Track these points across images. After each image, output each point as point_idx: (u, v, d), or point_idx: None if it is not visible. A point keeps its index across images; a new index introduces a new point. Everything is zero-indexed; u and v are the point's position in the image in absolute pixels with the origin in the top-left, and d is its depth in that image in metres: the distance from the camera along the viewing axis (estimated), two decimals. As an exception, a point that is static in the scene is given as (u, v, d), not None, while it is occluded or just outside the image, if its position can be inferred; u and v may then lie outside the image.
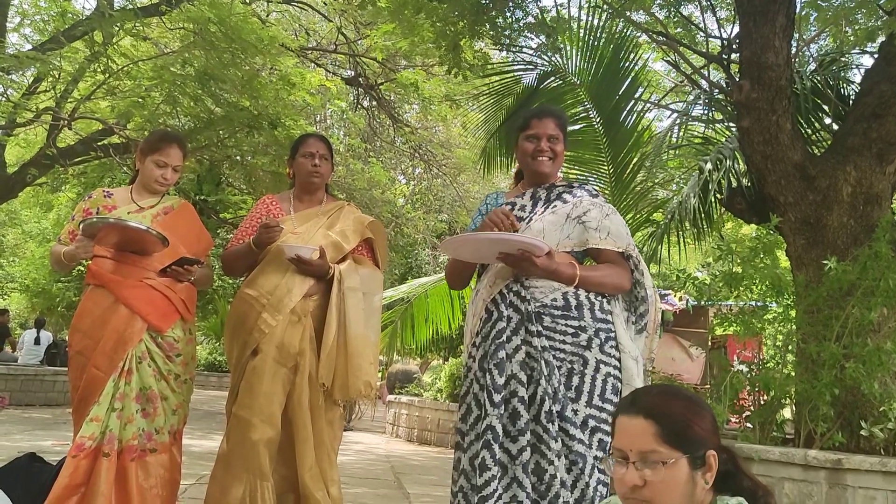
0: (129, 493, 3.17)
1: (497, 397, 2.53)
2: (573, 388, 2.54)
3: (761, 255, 6.02)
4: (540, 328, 2.58)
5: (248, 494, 3.16)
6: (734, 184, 6.54)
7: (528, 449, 2.47)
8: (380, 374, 13.79)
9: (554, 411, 2.48)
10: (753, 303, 6.15)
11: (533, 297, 2.63)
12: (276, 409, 3.23)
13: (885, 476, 4.70)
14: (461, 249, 2.82)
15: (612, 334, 2.64)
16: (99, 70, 8.93)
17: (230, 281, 16.08)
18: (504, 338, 2.61)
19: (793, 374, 5.85)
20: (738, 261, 6.33)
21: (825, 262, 5.18)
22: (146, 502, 3.20)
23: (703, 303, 7.56)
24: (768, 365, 6.02)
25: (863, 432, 5.05)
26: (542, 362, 2.53)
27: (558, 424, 2.46)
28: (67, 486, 3.08)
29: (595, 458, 2.47)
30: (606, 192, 7.66)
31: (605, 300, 2.67)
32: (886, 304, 5.20)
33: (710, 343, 10.42)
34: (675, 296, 11.71)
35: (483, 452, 2.48)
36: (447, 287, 10.59)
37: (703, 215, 7.93)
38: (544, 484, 2.41)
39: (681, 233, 8.00)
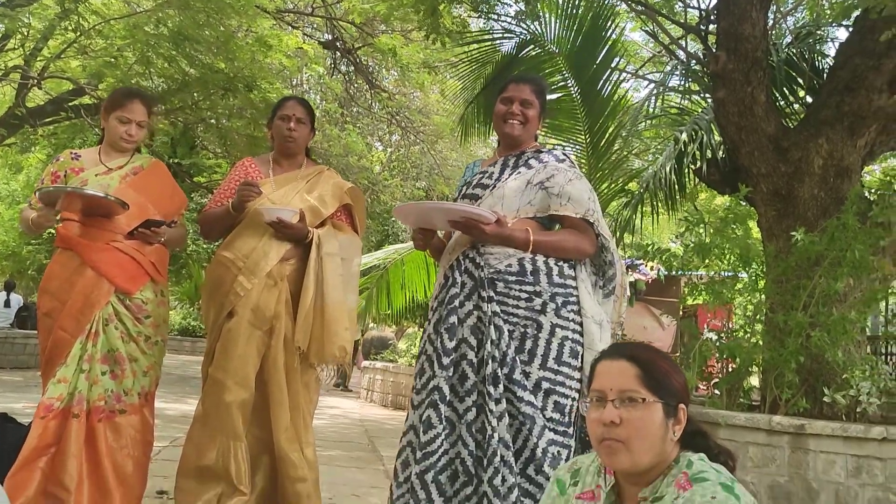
0: (98, 453, 3.18)
1: (446, 360, 2.61)
2: (526, 351, 2.59)
3: (733, 226, 6.11)
4: (492, 294, 2.63)
5: (222, 455, 3.20)
6: (709, 155, 6.61)
7: (474, 409, 2.55)
8: (356, 341, 13.84)
9: (500, 374, 2.54)
10: (724, 273, 6.26)
11: (487, 263, 2.67)
12: (251, 372, 3.25)
13: (846, 441, 4.85)
14: (411, 217, 2.88)
15: (573, 298, 2.67)
16: (70, 28, 8.73)
17: (204, 245, 15.98)
18: (456, 303, 2.67)
19: (760, 342, 5.99)
20: (711, 231, 6.43)
21: (794, 233, 5.28)
22: (117, 463, 3.22)
23: (674, 272, 7.67)
24: (737, 334, 6.15)
25: (825, 399, 5.19)
26: (492, 327, 2.58)
27: (503, 386, 2.53)
28: (36, 447, 3.08)
29: (548, 419, 2.53)
30: (583, 160, 7.71)
31: (566, 265, 2.69)
32: (852, 275, 5.33)
33: (681, 312, 10.59)
34: (647, 265, 11.84)
35: (429, 412, 2.58)
36: (423, 254, 10.64)
37: (677, 185, 8.01)
38: (486, 441, 2.49)
39: (655, 202, 8.09)
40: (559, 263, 2.68)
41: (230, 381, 3.22)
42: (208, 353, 3.39)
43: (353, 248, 3.50)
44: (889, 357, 7.60)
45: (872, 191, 5.67)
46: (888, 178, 5.47)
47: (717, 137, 6.63)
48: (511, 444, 2.49)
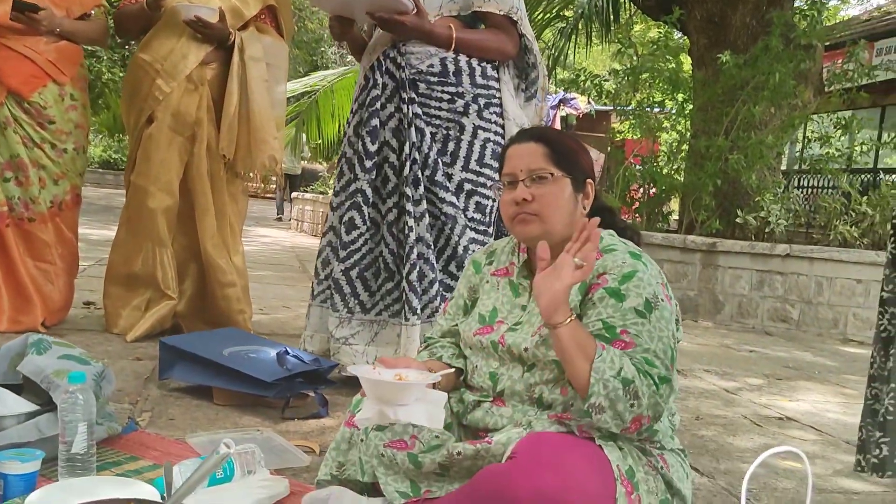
0: (12, 260, 3.13)
1: (368, 163, 2.61)
2: (448, 153, 2.60)
3: (666, 58, 6.12)
4: (413, 95, 2.59)
5: (148, 261, 3.19)
6: (645, -22, 6.48)
7: (395, 210, 2.60)
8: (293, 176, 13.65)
9: (420, 176, 2.56)
10: (653, 109, 6.34)
11: (409, 63, 2.60)
12: (174, 178, 3.19)
13: (753, 257, 5.18)
14: (328, 2, 2.71)
15: (496, 100, 2.65)
16: None
17: (121, 74, 15.12)
18: (378, 105, 2.62)
19: (682, 168, 6.18)
20: (643, 58, 6.42)
21: (720, 55, 5.32)
22: (31, 272, 3.17)
23: (605, 104, 7.72)
24: (659, 162, 6.32)
25: (738, 220, 5.48)
26: (413, 129, 2.57)
27: (424, 187, 2.56)
28: None
29: (470, 219, 2.60)
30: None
31: (488, 66, 2.65)
32: (773, 101, 5.47)
33: (609, 147, 10.76)
34: (579, 100, 11.86)
35: (352, 213, 2.61)
36: (354, 80, 10.34)
37: (612, 13, 7.89)
38: (405, 240, 2.56)
39: (590, 30, 7.98)
40: (482, 64, 2.63)
41: (152, 186, 3.16)
42: (130, 160, 3.30)
43: (280, 52, 3.36)
44: (801, 189, 7.98)
45: (802, 13, 5.69)
46: (817, 2, 5.48)
47: (655, -40, 6.47)
48: (432, 243, 2.56)
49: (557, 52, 8.50)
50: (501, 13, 2.59)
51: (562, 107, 12.52)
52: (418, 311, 2.51)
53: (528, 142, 1.53)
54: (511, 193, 1.51)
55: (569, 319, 1.32)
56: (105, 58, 17.73)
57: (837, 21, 13.27)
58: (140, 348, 3.02)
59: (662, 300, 1.40)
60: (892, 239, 1.76)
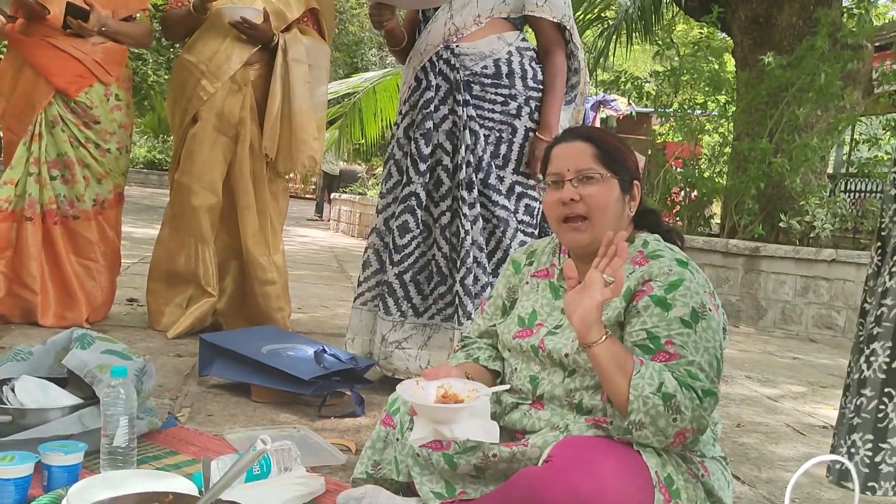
0: (59, 257, 3.20)
1: (423, 166, 2.60)
2: (500, 156, 2.60)
3: (709, 58, 6.03)
4: (468, 97, 2.58)
5: (191, 258, 3.24)
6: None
7: (449, 214, 2.59)
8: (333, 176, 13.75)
9: (474, 179, 2.55)
10: (694, 111, 6.25)
11: (463, 64, 2.60)
12: (217, 177, 3.24)
13: (797, 262, 5.07)
14: None
15: None
16: None
17: (166, 77, 15.41)
18: (432, 107, 2.61)
19: (724, 171, 6.08)
20: (684, 59, 6.33)
21: (763, 56, 5.22)
22: (76, 269, 3.24)
23: (646, 105, 7.62)
24: (701, 164, 6.23)
25: (782, 224, 5.37)
26: (468, 132, 2.56)
27: (478, 191, 2.56)
28: None
29: (520, 222, 2.59)
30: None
31: (539, 69, 2.64)
32: (819, 103, 5.35)
33: (649, 149, 10.65)
34: (619, 101, 11.75)
35: (406, 216, 2.60)
36: (395, 82, 10.39)
37: (654, 14, 7.80)
38: (459, 244, 2.55)
39: (631, 31, 7.89)
40: (533, 66, 2.63)
41: (196, 185, 3.21)
42: (174, 159, 3.35)
43: (321, 54, 3.38)
44: (848, 193, 7.79)
45: (849, 11, 5.55)
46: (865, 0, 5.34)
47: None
48: (484, 246, 2.56)
49: (598, 54, 8.42)
50: (554, 20, 2.58)
51: (602, 108, 12.41)
52: (472, 316, 2.50)
53: (575, 141, 1.51)
54: (557, 193, 1.48)
55: (603, 338, 1.30)
56: (151, 60, 18.09)
57: (886, 21, 12.95)
58: (181, 345, 3.07)
59: (710, 310, 1.36)
60: (877, 249, 1.63)
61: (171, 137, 3.90)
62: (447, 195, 2.59)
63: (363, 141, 10.81)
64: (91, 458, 1.64)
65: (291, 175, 3.39)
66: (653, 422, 1.27)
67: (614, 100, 12.21)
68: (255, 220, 3.28)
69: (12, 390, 1.82)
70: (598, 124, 12.48)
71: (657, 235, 1.53)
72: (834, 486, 2.14)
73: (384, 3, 2.62)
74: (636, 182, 1.52)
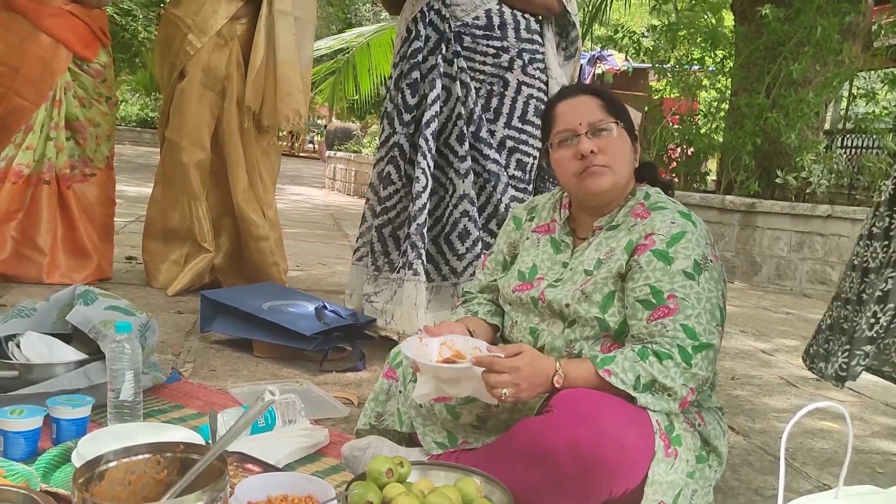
0: (74, 219, 3.28)
1: (407, 117, 2.56)
2: (492, 109, 2.56)
3: (703, 7, 5.95)
4: (459, 48, 2.54)
5: (185, 215, 3.26)
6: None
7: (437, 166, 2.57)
8: (319, 133, 13.66)
9: (466, 132, 2.52)
10: (690, 66, 6.19)
11: (454, 15, 2.55)
12: (205, 132, 3.23)
13: (792, 218, 5.09)
14: None
15: (539, 56, 2.60)
16: None
17: (156, 33, 15.15)
18: (420, 57, 2.56)
19: (720, 128, 6.05)
20: (681, 14, 6.25)
21: (760, 8, 5.15)
22: (89, 229, 3.33)
23: (642, 60, 7.55)
24: (699, 122, 6.19)
25: (777, 180, 5.37)
26: (458, 84, 2.53)
27: (469, 144, 2.53)
28: (7, 210, 3.13)
29: (511, 177, 2.56)
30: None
31: (532, 20, 2.60)
32: (817, 57, 5.31)
33: (646, 106, 10.58)
34: (616, 57, 11.63)
35: (389, 167, 2.58)
36: (391, 36, 10.25)
37: (652, -33, 7.67)
38: (449, 197, 2.54)
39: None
40: (526, 16, 2.58)
41: (185, 141, 3.21)
42: (163, 115, 3.36)
43: (308, 6, 3.33)
44: (844, 148, 7.78)
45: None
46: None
47: None
48: (476, 200, 2.53)
49: (595, 9, 8.31)
50: None
51: (598, 64, 12.30)
52: (451, 274, 2.51)
53: (580, 95, 1.51)
54: (572, 149, 1.48)
55: (560, 377, 1.34)
56: (141, 17, 17.78)
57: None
58: (181, 302, 3.09)
59: (711, 261, 1.39)
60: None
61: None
62: (435, 147, 2.54)
63: (357, 97, 10.69)
64: (98, 412, 1.67)
65: (282, 133, 3.37)
66: (655, 404, 1.33)
67: (610, 55, 12.08)
68: (245, 176, 3.28)
69: (17, 346, 1.84)
70: (594, 80, 12.36)
71: (658, 189, 1.54)
72: (826, 437, 2.19)
73: None
74: (636, 133, 1.53)
